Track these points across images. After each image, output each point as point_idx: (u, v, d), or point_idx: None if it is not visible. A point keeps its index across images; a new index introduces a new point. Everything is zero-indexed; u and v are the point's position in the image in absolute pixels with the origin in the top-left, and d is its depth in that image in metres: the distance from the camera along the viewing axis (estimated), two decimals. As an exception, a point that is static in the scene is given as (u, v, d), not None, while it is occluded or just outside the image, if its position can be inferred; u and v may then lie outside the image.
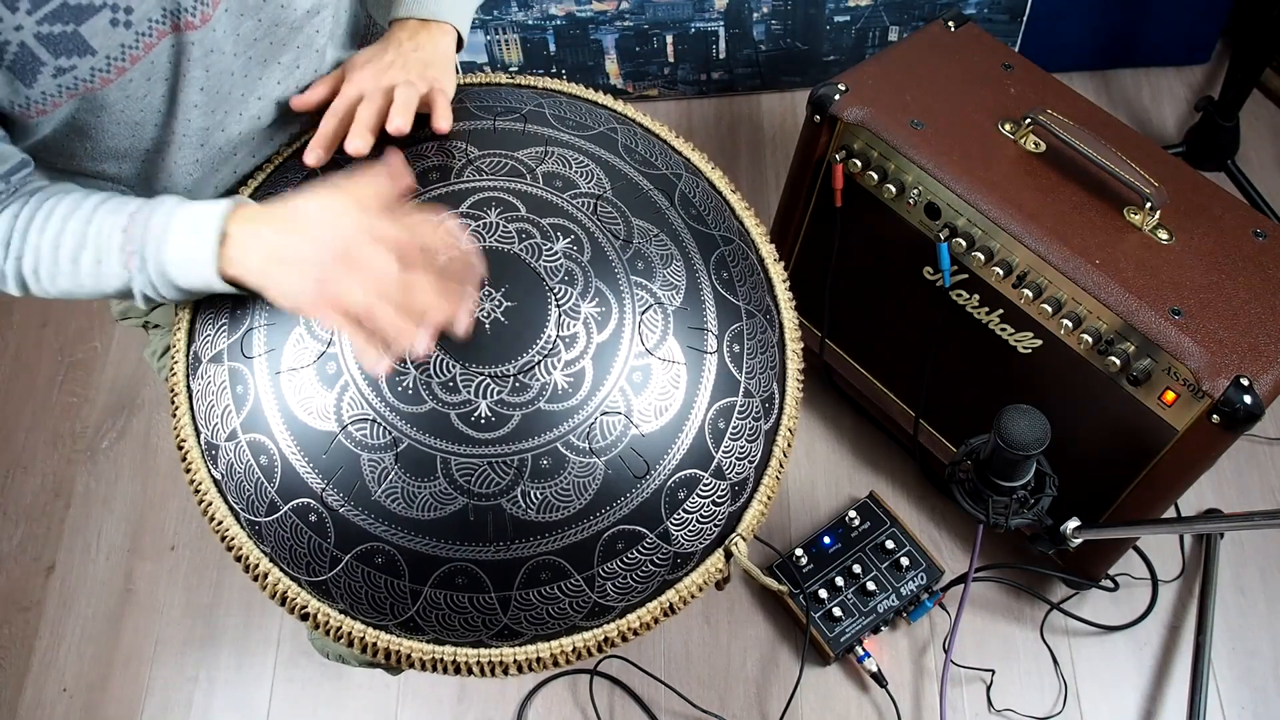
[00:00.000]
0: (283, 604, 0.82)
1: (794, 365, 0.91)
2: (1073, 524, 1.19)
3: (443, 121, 0.88)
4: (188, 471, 0.84)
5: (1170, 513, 1.49)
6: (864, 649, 1.42)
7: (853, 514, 1.50)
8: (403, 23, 0.94)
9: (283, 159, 0.96)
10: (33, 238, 0.80)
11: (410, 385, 0.77)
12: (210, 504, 0.83)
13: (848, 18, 1.88)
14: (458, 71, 0.97)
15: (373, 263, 0.73)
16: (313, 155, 0.88)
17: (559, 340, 0.79)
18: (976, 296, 1.26)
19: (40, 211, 0.80)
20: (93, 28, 0.73)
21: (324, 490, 0.78)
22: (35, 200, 0.81)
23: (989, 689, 1.44)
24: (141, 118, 0.83)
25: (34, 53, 0.72)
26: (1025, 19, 1.89)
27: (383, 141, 0.87)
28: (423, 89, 0.89)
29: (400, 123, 0.86)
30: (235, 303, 0.84)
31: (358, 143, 0.86)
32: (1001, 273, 1.20)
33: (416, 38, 0.93)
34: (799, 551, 1.47)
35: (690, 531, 0.82)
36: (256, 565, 0.82)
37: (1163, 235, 1.17)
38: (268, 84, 0.91)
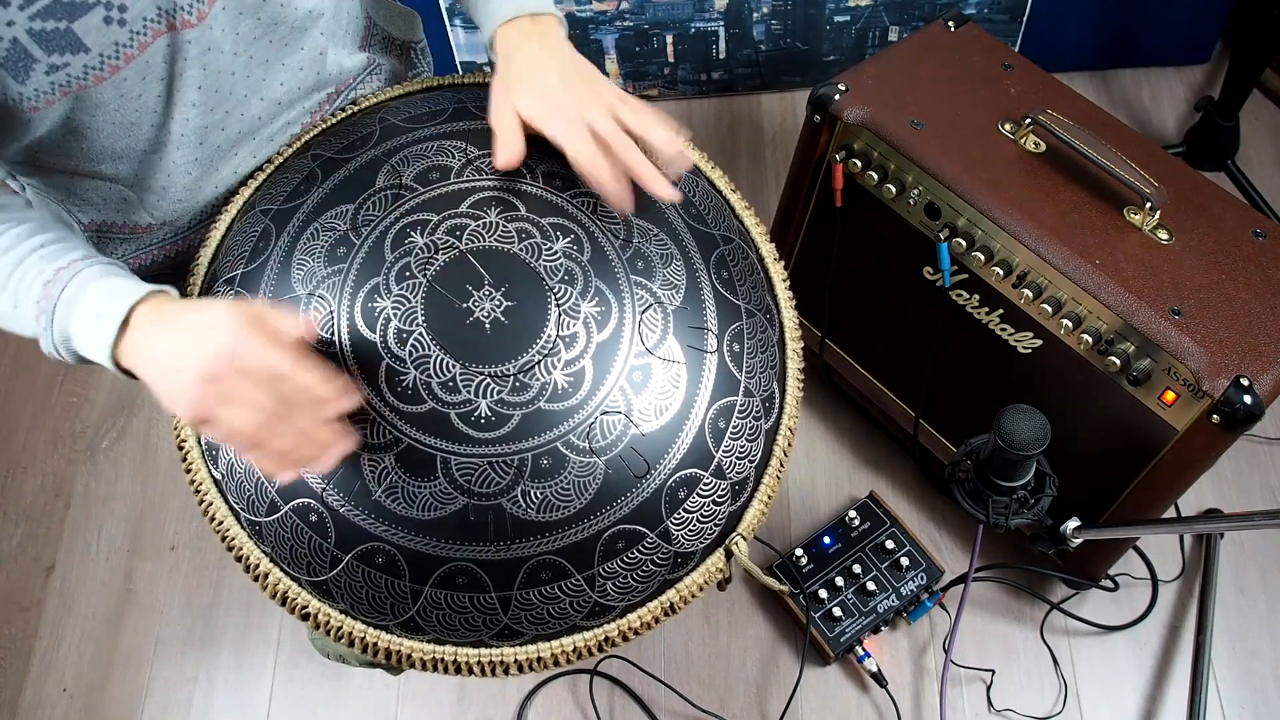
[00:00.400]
0: (283, 604, 0.82)
1: (794, 364, 0.91)
2: (1073, 524, 1.19)
3: (659, 141, 0.83)
4: (188, 471, 0.84)
5: (1170, 513, 1.49)
6: (864, 649, 1.42)
7: (853, 514, 1.50)
8: (513, 28, 0.87)
9: (283, 159, 0.95)
10: None
11: (410, 385, 0.77)
12: (210, 504, 0.83)
13: (848, 18, 1.88)
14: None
15: (242, 396, 0.71)
16: (628, 205, 0.83)
17: (559, 340, 0.79)
18: (976, 296, 1.26)
19: None
20: (85, 25, 0.73)
21: (324, 490, 0.78)
22: None
23: (989, 689, 1.44)
24: (137, 117, 0.83)
25: (26, 49, 0.72)
26: (1025, 19, 1.89)
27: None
28: (606, 105, 0.83)
29: (681, 161, 0.83)
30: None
31: (667, 189, 0.82)
32: (1001, 273, 1.20)
33: (545, 43, 0.86)
34: (799, 551, 1.47)
35: (691, 531, 0.82)
36: (257, 565, 0.82)
37: (1163, 235, 1.17)
38: (271, 85, 0.90)
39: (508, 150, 0.83)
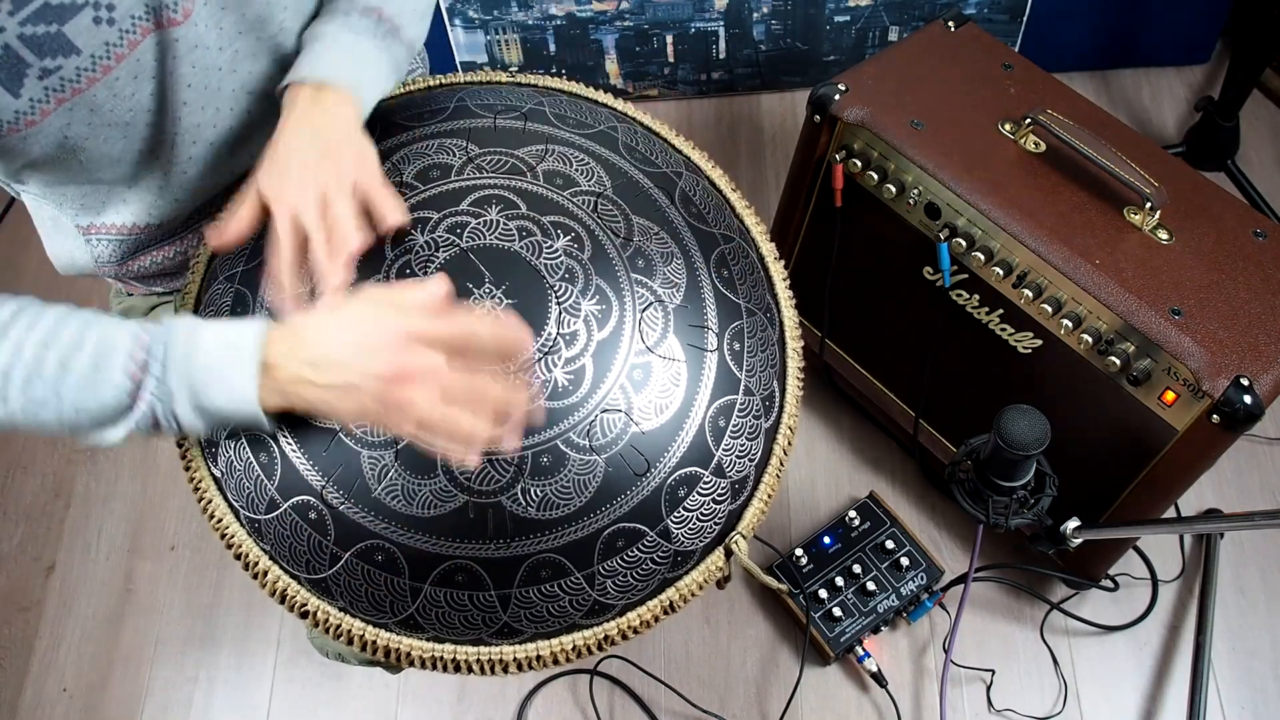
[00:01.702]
0: (282, 602, 0.82)
1: (794, 363, 0.91)
2: (1073, 524, 1.19)
3: (392, 215, 0.80)
4: (188, 469, 0.84)
5: (1170, 513, 1.49)
6: (864, 649, 1.42)
7: (853, 514, 1.50)
8: (294, 94, 0.84)
9: None
10: (15, 333, 0.71)
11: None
12: (210, 502, 0.83)
13: (848, 18, 1.88)
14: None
15: (425, 372, 0.70)
16: (287, 308, 0.78)
17: (559, 337, 0.79)
18: (976, 296, 1.27)
19: (31, 309, 0.72)
20: (76, 27, 0.73)
21: (324, 487, 0.78)
22: (24, 300, 0.73)
23: (989, 689, 1.44)
24: (132, 118, 0.83)
25: (18, 54, 0.72)
26: (1025, 19, 1.89)
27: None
28: (348, 185, 0.80)
29: (358, 241, 0.78)
30: (235, 300, 0.84)
31: (338, 279, 0.77)
32: (1001, 273, 1.20)
33: (311, 117, 0.83)
34: (799, 551, 1.47)
35: (690, 529, 0.82)
36: (256, 563, 0.82)
37: (1163, 235, 1.18)
38: (256, 78, 0.90)
39: (224, 229, 0.81)
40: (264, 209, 0.81)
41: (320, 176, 0.80)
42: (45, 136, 0.78)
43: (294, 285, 0.78)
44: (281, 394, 0.73)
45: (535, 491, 0.77)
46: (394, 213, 0.80)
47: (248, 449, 0.80)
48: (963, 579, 1.30)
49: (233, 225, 0.81)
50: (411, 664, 0.82)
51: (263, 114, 0.93)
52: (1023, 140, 1.25)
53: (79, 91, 0.77)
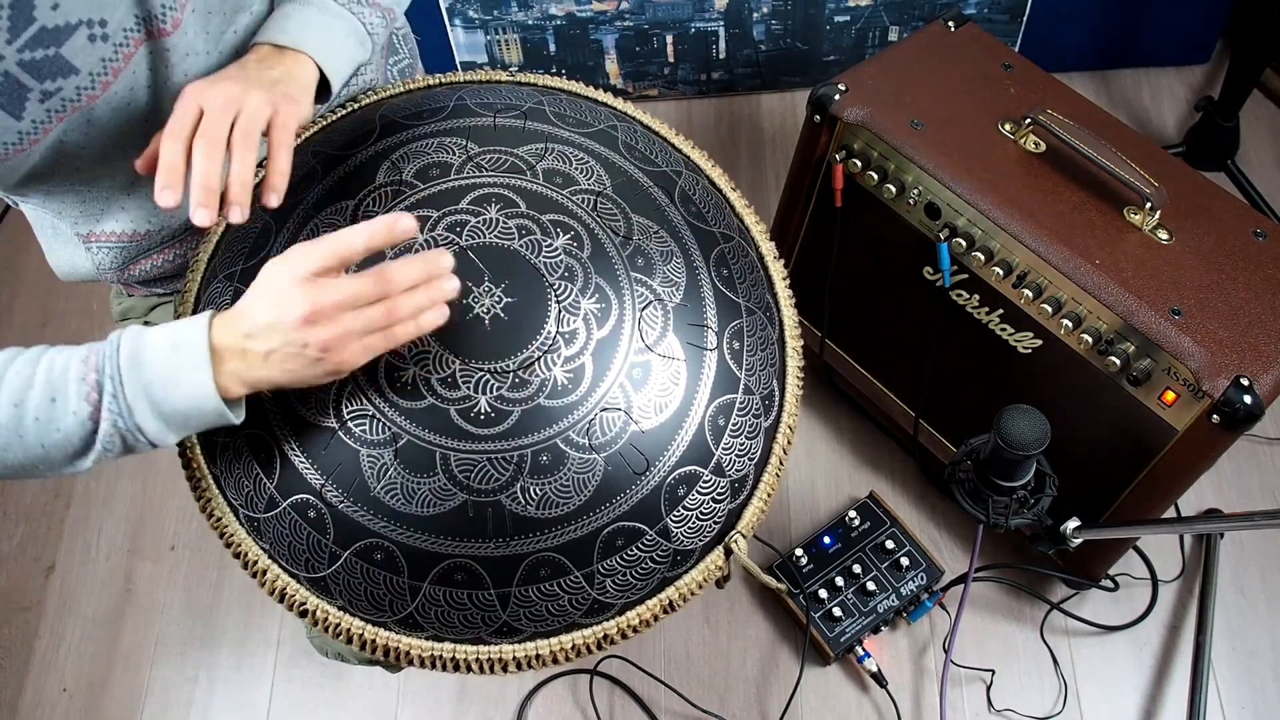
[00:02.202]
0: (281, 601, 0.82)
1: (794, 362, 0.91)
2: (1073, 524, 1.19)
3: (276, 176, 0.77)
4: (187, 467, 0.84)
5: (1170, 513, 1.49)
6: (864, 649, 1.42)
7: (853, 514, 1.50)
8: (256, 49, 0.84)
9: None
10: None
11: (409, 381, 0.77)
12: (209, 501, 0.83)
13: (848, 18, 1.88)
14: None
15: (333, 297, 0.70)
16: (165, 197, 0.74)
17: (559, 336, 0.79)
18: (976, 296, 1.26)
19: None
20: (73, 47, 0.73)
21: (323, 486, 0.78)
22: None
23: (989, 689, 1.44)
24: (129, 126, 0.83)
25: (19, 80, 0.72)
26: (1025, 19, 1.89)
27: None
28: (265, 111, 0.77)
29: (240, 167, 0.75)
30: (235, 298, 0.84)
31: (203, 215, 0.73)
32: (1001, 273, 1.20)
33: (262, 65, 0.82)
34: (799, 551, 1.47)
35: (690, 528, 0.82)
36: (256, 562, 0.82)
37: (1163, 235, 1.17)
38: None
39: (148, 151, 0.79)
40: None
41: (244, 92, 0.77)
42: (44, 148, 0.78)
43: (178, 167, 0.75)
44: (239, 378, 0.72)
45: (535, 490, 0.77)
46: (273, 188, 0.78)
47: (247, 448, 0.80)
48: (963, 579, 1.30)
49: (149, 150, 0.79)
50: (411, 663, 0.82)
51: None
52: (1023, 140, 1.25)
53: (79, 108, 0.77)
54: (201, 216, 0.73)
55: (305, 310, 0.70)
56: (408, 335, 0.74)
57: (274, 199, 0.78)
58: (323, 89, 0.87)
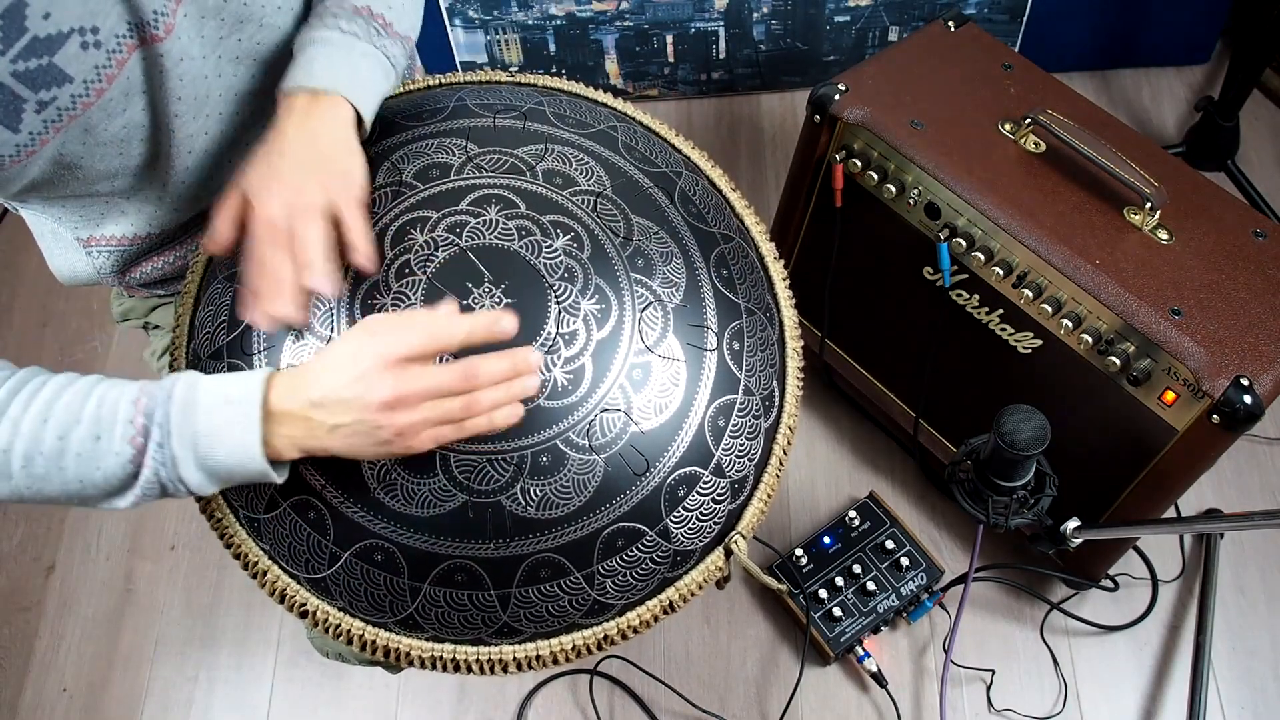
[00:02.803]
0: (281, 602, 0.82)
1: (794, 363, 0.91)
2: (1073, 524, 1.19)
3: (359, 256, 0.79)
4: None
5: (1170, 513, 1.49)
6: (864, 649, 1.42)
7: (853, 514, 1.50)
8: (290, 102, 0.83)
9: None
10: (13, 410, 0.71)
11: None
12: (209, 501, 0.83)
13: (848, 18, 1.88)
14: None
15: (418, 386, 0.71)
16: (264, 322, 0.78)
17: (558, 337, 0.79)
18: (976, 296, 1.26)
19: (30, 381, 0.72)
20: (66, 55, 0.73)
21: (323, 487, 0.78)
22: (23, 372, 0.73)
23: (989, 689, 1.44)
24: (126, 134, 0.83)
25: (14, 91, 0.71)
26: (1025, 19, 1.89)
27: None
28: (328, 203, 0.79)
29: (329, 286, 0.77)
30: (235, 299, 0.84)
31: (300, 314, 0.77)
32: (1001, 273, 1.20)
33: (307, 124, 0.82)
34: (799, 551, 1.47)
35: (690, 529, 0.82)
36: (255, 563, 0.82)
37: (1163, 235, 1.17)
38: (241, 80, 0.90)
39: (215, 236, 0.82)
40: (245, 207, 0.81)
41: (301, 184, 0.79)
42: (43, 159, 0.78)
43: (260, 288, 0.78)
44: (296, 444, 0.73)
45: (535, 491, 0.77)
46: (360, 247, 0.79)
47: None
48: (963, 579, 1.30)
49: (219, 226, 0.81)
50: (411, 664, 0.83)
51: (251, 115, 0.93)
52: (1023, 140, 1.25)
53: (75, 118, 0.76)
54: (300, 316, 0.78)
55: (389, 396, 0.71)
56: (479, 429, 0.74)
57: (362, 259, 0.79)
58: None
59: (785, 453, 0.87)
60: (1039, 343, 1.23)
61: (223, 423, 0.71)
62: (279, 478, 0.75)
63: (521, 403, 0.76)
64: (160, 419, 0.71)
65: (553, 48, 1.92)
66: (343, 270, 0.80)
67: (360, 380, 0.71)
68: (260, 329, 0.80)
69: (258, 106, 0.93)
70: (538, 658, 0.81)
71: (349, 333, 0.74)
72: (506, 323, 0.74)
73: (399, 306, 0.79)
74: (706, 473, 0.82)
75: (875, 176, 1.28)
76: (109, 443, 0.71)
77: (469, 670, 0.82)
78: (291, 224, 0.78)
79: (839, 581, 1.44)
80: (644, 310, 0.82)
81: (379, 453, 0.74)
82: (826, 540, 1.48)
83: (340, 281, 0.79)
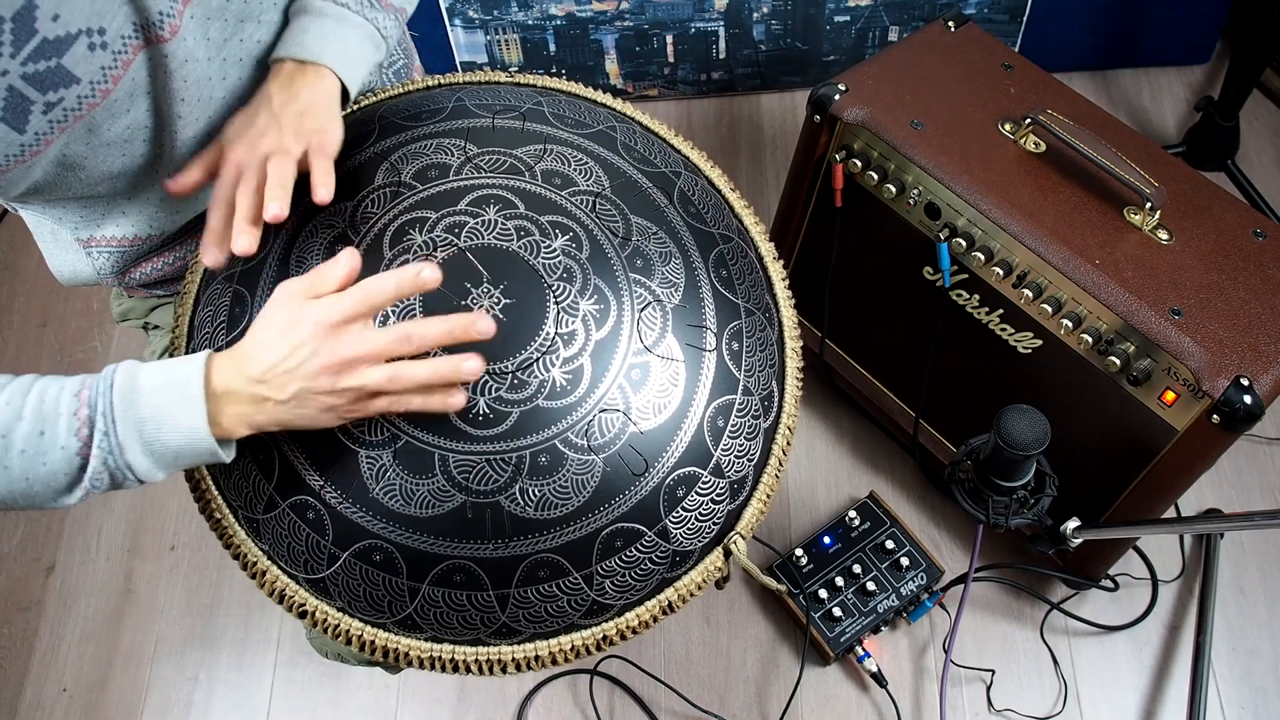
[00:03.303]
0: (280, 602, 0.82)
1: (793, 363, 0.91)
2: (1073, 524, 1.19)
3: (321, 190, 0.80)
4: (187, 469, 0.84)
5: (1170, 513, 1.49)
6: (864, 649, 1.42)
7: (853, 514, 1.50)
8: (279, 68, 0.86)
9: None
10: None
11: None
12: (209, 501, 0.83)
13: (848, 18, 1.88)
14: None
15: (359, 350, 0.71)
16: (209, 256, 0.80)
17: (557, 337, 0.79)
18: (976, 296, 1.26)
19: None
20: (74, 57, 0.73)
21: (322, 487, 0.78)
22: None
23: (989, 689, 1.43)
24: (130, 135, 0.83)
25: (22, 93, 0.72)
26: (1025, 19, 1.89)
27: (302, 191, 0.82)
28: (298, 150, 0.81)
29: (276, 209, 0.78)
30: (234, 299, 0.84)
31: (243, 240, 0.78)
32: (1001, 273, 1.20)
33: (291, 86, 0.84)
34: (799, 551, 1.47)
35: (689, 529, 0.82)
36: (255, 563, 0.82)
37: (1163, 235, 1.17)
38: (244, 83, 0.90)
39: (179, 176, 0.84)
40: (219, 155, 0.83)
41: (275, 134, 0.81)
42: (46, 160, 0.78)
43: (218, 225, 0.81)
44: (245, 420, 0.73)
45: (533, 491, 0.77)
46: (322, 188, 0.80)
47: (246, 449, 0.80)
48: (963, 579, 1.30)
49: (190, 169, 0.84)
50: (410, 664, 0.83)
51: None
52: (1023, 140, 1.25)
53: (80, 118, 0.77)
54: (242, 243, 0.78)
55: (330, 359, 0.71)
56: (413, 407, 0.74)
57: (324, 193, 0.80)
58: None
59: (784, 453, 0.87)
60: (1039, 343, 1.23)
61: (166, 405, 0.71)
62: (227, 457, 0.75)
63: (520, 403, 0.76)
64: (104, 408, 0.70)
65: (553, 48, 1.92)
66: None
67: (300, 348, 0.71)
68: (212, 267, 0.82)
69: None
70: (537, 658, 0.81)
71: (276, 301, 0.74)
72: (428, 273, 0.73)
73: (398, 307, 0.79)
74: (705, 473, 0.82)
75: (875, 176, 1.28)
76: (54, 436, 0.70)
77: (468, 671, 0.82)
78: (258, 168, 0.80)
79: (839, 581, 1.44)
80: (643, 310, 0.82)
81: (328, 420, 0.74)
82: (826, 540, 1.48)
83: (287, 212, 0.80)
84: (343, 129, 0.85)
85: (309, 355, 0.71)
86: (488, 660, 0.81)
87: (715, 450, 0.82)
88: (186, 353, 0.87)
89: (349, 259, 0.74)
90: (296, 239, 0.84)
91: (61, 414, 0.70)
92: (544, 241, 0.82)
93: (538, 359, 0.78)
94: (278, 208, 0.78)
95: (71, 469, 0.71)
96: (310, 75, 0.85)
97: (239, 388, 0.72)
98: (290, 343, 0.71)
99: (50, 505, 0.74)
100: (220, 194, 0.81)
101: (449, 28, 1.88)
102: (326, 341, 0.71)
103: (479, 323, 0.73)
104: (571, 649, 0.82)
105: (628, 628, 0.83)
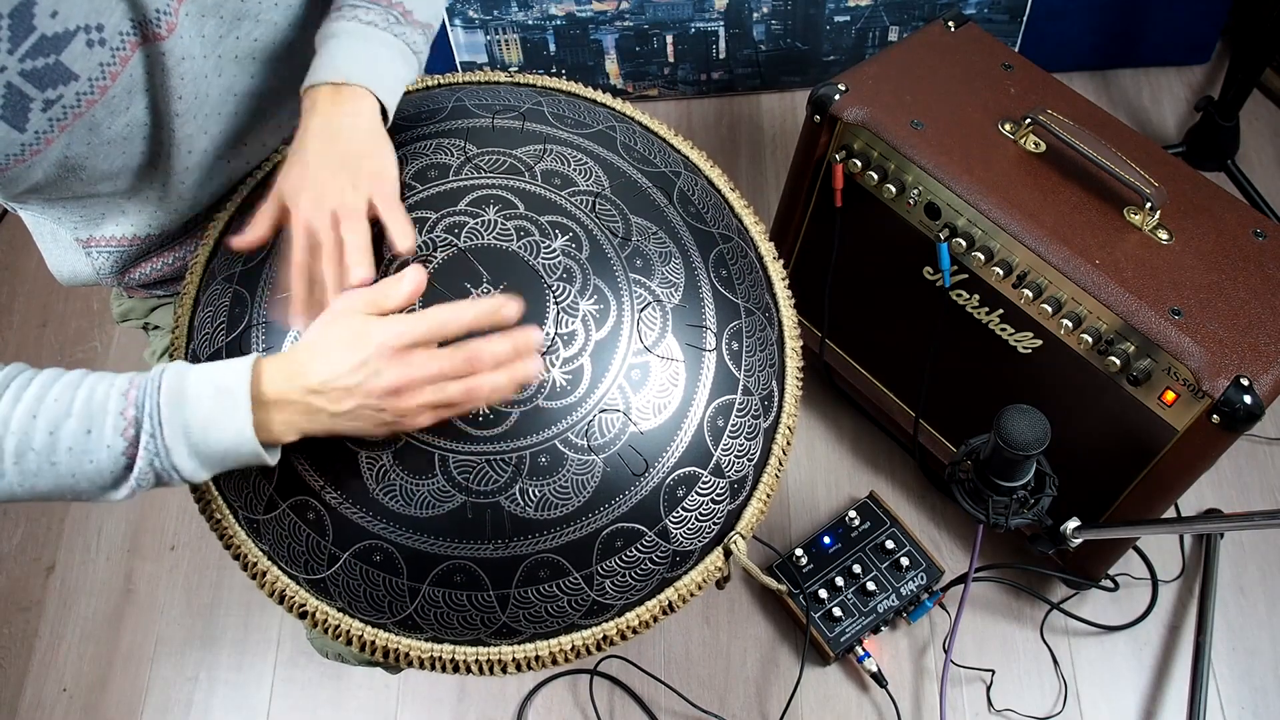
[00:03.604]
0: (281, 602, 0.82)
1: (793, 363, 0.91)
2: (1073, 524, 1.19)
3: (402, 242, 0.79)
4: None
5: (1170, 513, 1.49)
6: (864, 649, 1.42)
7: (853, 514, 1.50)
8: (314, 95, 0.83)
9: (282, 156, 0.95)
10: (3, 407, 0.70)
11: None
12: (209, 501, 0.83)
13: (848, 18, 1.88)
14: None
15: (423, 374, 0.72)
16: (298, 322, 0.80)
17: (557, 337, 0.79)
18: (976, 296, 1.26)
19: (17, 381, 0.72)
20: (72, 54, 0.73)
21: (322, 488, 0.78)
22: (9, 368, 0.73)
23: (989, 689, 1.43)
24: (129, 132, 0.83)
25: (21, 90, 0.72)
26: (1025, 19, 1.89)
27: None
28: (363, 203, 0.80)
29: (363, 274, 0.77)
30: (234, 300, 0.84)
31: (338, 308, 0.77)
32: (1001, 273, 1.20)
33: (332, 121, 0.82)
34: (799, 551, 1.47)
35: (689, 529, 0.82)
36: (255, 563, 0.82)
37: (1163, 235, 1.17)
38: (240, 80, 0.90)
39: (245, 233, 0.83)
40: (282, 211, 0.82)
41: (336, 187, 0.80)
42: (47, 160, 0.78)
43: (304, 294, 0.79)
44: (297, 428, 0.74)
45: (533, 492, 0.77)
46: (402, 239, 0.79)
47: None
48: (963, 579, 1.30)
49: (255, 228, 0.82)
50: (410, 664, 0.83)
51: (250, 116, 0.93)
52: (1023, 140, 1.25)
53: (80, 115, 0.77)
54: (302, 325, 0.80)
55: (394, 383, 0.72)
56: (473, 406, 0.76)
57: (406, 244, 0.80)
58: None
59: (784, 453, 0.87)
60: (1039, 343, 1.23)
61: (213, 411, 0.71)
62: (272, 460, 0.75)
63: (520, 403, 0.76)
64: (150, 410, 0.71)
65: (553, 48, 1.92)
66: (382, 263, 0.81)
67: (363, 366, 0.72)
68: (296, 329, 0.81)
69: (256, 107, 0.93)
70: (537, 658, 0.81)
71: (338, 314, 0.75)
72: (509, 309, 0.75)
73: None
74: (705, 473, 0.82)
75: (875, 176, 1.28)
76: (100, 435, 0.71)
77: (468, 671, 0.82)
78: (332, 229, 0.79)
79: (839, 581, 1.44)
80: (643, 310, 0.82)
81: (379, 432, 0.75)
82: (826, 540, 1.48)
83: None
84: (395, 160, 0.84)
85: (371, 374, 0.72)
86: (488, 660, 0.81)
87: (715, 450, 0.82)
88: (186, 353, 0.87)
89: (414, 277, 0.75)
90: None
91: (109, 413, 0.71)
92: (544, 242, 0.82)
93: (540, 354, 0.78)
94: (364, 272, 0.78)
95: (117, 468, 0.72)
96: (348, 99, 0.83)
97: (293, 397, 0.73)
98: (353, 359, 0.72)
99: (97, 500, 0.75)
100: (298, 261, 0.79)
101: (449, 28, 1.88)
102: (392, 363, 0.72)
103: (534, 336, 0.76)
104: (571, 649, 0.82)
105: (628, 628, 0.83)
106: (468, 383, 0.74)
